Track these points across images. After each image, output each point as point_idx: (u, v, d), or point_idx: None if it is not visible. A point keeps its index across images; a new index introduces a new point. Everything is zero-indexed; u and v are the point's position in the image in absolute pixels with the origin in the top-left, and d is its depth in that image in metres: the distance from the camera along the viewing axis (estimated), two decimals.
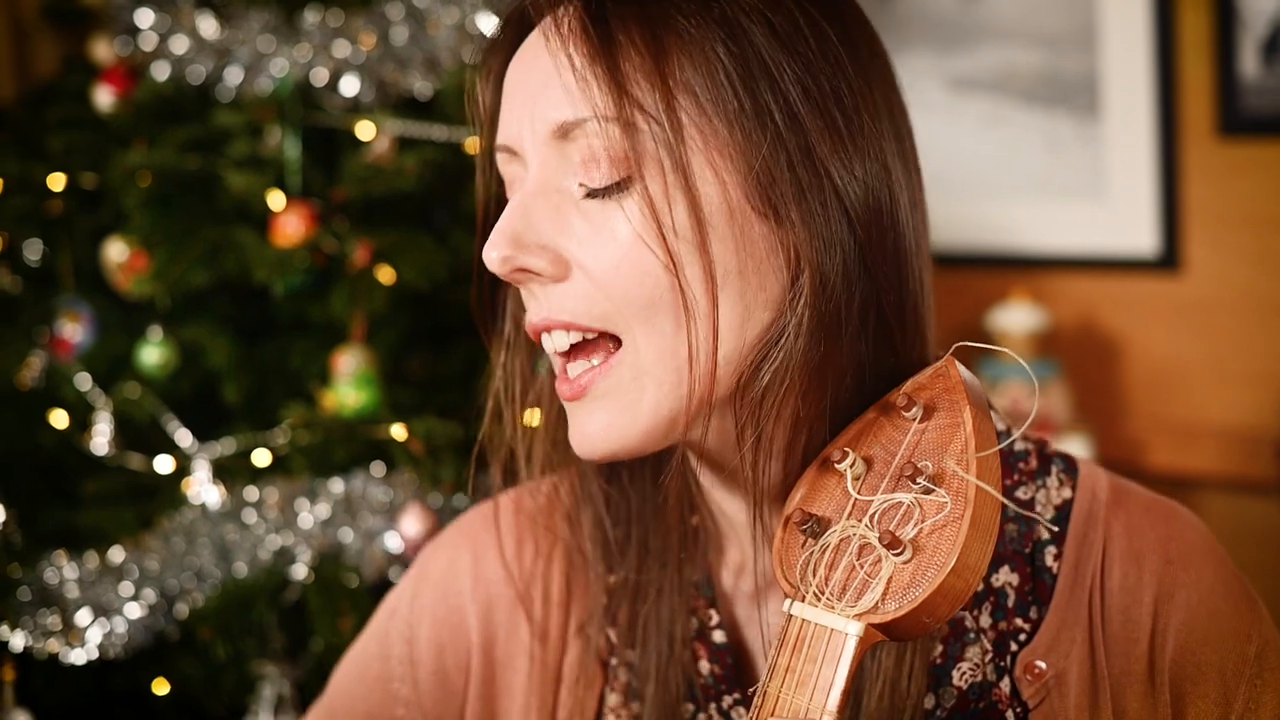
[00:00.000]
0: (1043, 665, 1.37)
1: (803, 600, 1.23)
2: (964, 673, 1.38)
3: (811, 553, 1.26)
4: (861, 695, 1.35)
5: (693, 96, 1.25)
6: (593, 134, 1.26)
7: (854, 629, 1.20)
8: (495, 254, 1.28)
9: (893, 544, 1.20)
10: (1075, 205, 3.60)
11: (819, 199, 1.26)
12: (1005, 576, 1.39)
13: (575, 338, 1.31)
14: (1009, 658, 1.38)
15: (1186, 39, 3.42)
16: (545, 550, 1.54)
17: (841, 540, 1.25)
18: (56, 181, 2.58)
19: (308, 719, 1.63)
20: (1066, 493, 1.42)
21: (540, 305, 1.31)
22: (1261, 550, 3.19)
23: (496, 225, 1.29)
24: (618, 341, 1.29)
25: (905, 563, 1.20)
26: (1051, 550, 1.40)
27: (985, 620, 1.39)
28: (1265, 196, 3.40)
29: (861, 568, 1.22)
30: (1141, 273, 3.54)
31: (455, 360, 2.60)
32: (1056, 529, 1.40)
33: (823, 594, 1.23)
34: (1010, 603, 1.39)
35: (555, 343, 1.32)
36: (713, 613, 1.46)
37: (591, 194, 1.27)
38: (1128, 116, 3.52)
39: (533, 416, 1.49)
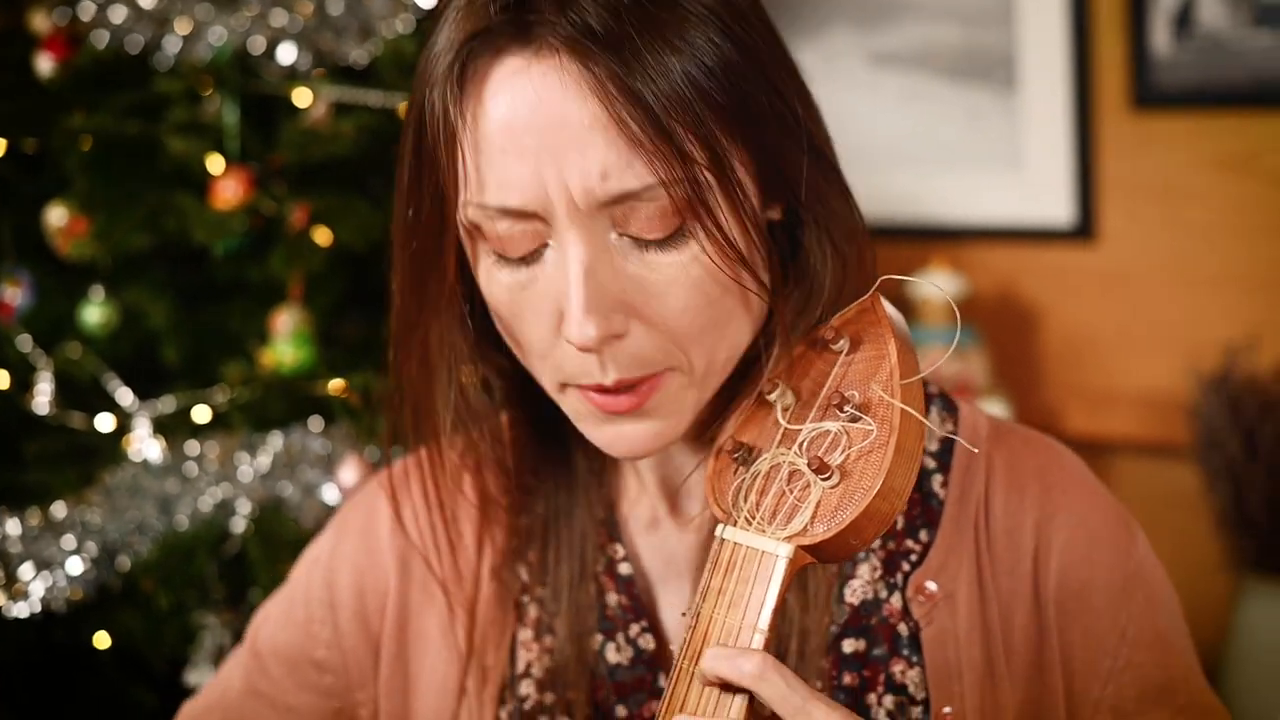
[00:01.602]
0: (933, 586, 1.41)
1: (734, 525, 1.27)
2: (855, 590, 1.42)
3: (743, 480, 1.29)
4: (787, 623, 1.40)
5: (728, 132, 1.25)
6: (650, 196, 1.24)
7: (784, 551, 1.23)
8: (594, 334, 1.24)
9: (821, 469, 1.23)
10: (993, 177, 3.65)
11: (829, 185, 1.33)
12: None
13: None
14: (900, 576, 1.42)
15: (1100, 15, 3.47)
16: (456, 498, 1.54)
17: (772, 467, 1.28)
18: None
19: (230, 666, 1.66)
20: (949, 427, 1.47)
21: (607, 368, 1.29)
22: (1175, 512, 3.26)
23: (577, 305, 1.24)
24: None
25: (833, 487, 1.24)
26: (938, 478, 1.45)
27: (874, 541, 1.42)
28: (1177, 168, 3.45)
29: (791, 493, 1.26)
30: (1057, 242, 3.59)
31: (389, 322, 2.63)
32: (975, 449, 1.45)
33: (754, 519, 1.26)
34: (899, 525, 1.43)
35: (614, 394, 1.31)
36: (618, 546, 1.50)
37: (643, 244, 1.26)
38: (1044, 91, 3.56)
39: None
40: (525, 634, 1.51)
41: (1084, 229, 3.57)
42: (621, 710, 1.48)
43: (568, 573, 1.49)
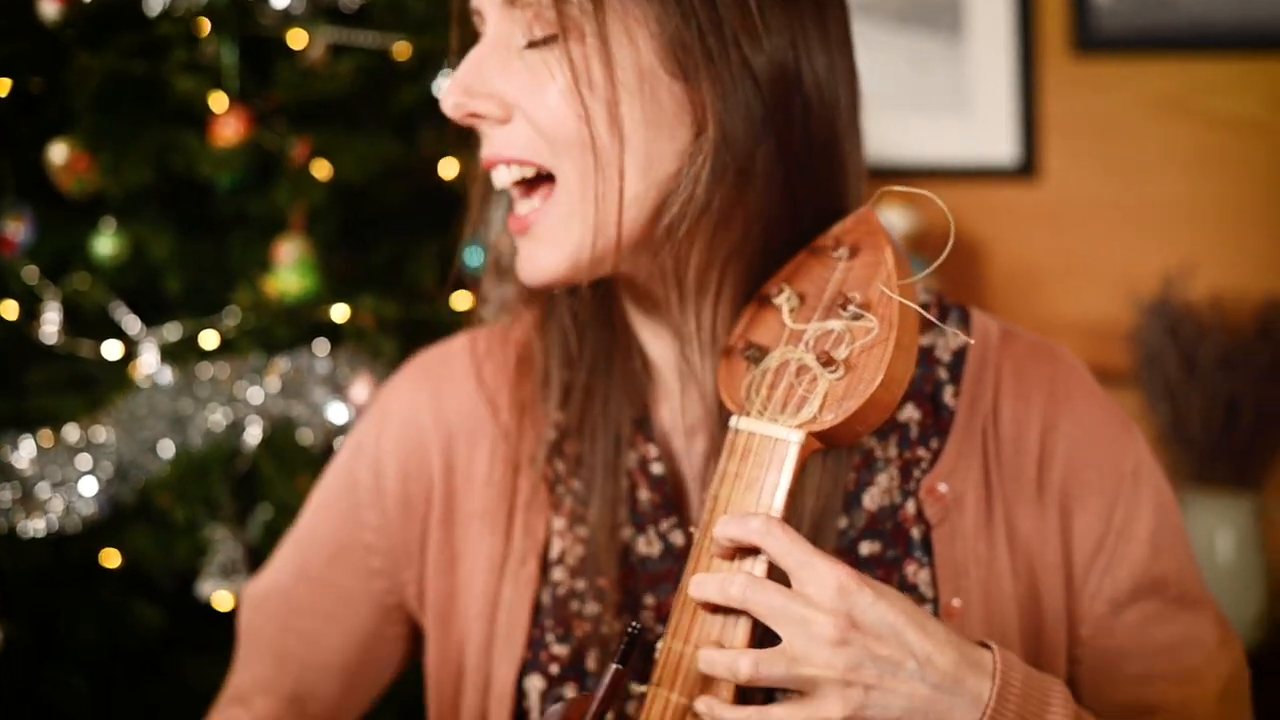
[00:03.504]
0: (944, 488, 1.50)
1: (748, 415, 1.37)
2: (873, 497, 1.50)
3: (754, 375, 1.39)
4: (800, 521, 1.47)
5: None
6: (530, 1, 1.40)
7: (795, 437, 1.33)
8: (450, 100, 1.43)
9: (828, 363, 1.34)
10: (940, 119, 3.76)
11: (725, 66, 1.39)
12: (909, 412, 1.53)
13: (517, 173, 1.45)
14: (913, 482, 1.51)
15: None
16: (500, 383, 1.64)
17: (780, 364, 1.38)
18: (2, 87, 2.66)
19: (277, 555, 1.74)
20: (962, 339, 1.56)
21: (488, 145, 1.46)
22: None
23: (452, 76, 1.44)
24: (555, 180, 1.44)
25: (839, 379, 1.33)
26: (950, 389, 1.54)
27: (892, 451, 1.52)
28: (1115, 109, 3.58)
29: (800, 386, 1.35)
30: (1002, 181, 3.71)
31: (382, 251, 2.73)
32: (972, 341, 1.55)
33: (766, 409, 1.36)
34: (914, 435, 1.52)
35: (500, 178, 1.46)
36: (650, 447, 1.57)
37: (531, 44, 1.40)
38: (988, 36, 3.67)
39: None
40: (560, 523, 1.59)
41: (1027, 168, 3.69)
42: (650, 599, 1.56)
43: (601, 464, 1.57)
